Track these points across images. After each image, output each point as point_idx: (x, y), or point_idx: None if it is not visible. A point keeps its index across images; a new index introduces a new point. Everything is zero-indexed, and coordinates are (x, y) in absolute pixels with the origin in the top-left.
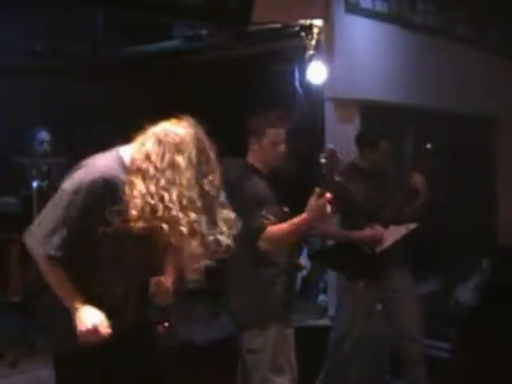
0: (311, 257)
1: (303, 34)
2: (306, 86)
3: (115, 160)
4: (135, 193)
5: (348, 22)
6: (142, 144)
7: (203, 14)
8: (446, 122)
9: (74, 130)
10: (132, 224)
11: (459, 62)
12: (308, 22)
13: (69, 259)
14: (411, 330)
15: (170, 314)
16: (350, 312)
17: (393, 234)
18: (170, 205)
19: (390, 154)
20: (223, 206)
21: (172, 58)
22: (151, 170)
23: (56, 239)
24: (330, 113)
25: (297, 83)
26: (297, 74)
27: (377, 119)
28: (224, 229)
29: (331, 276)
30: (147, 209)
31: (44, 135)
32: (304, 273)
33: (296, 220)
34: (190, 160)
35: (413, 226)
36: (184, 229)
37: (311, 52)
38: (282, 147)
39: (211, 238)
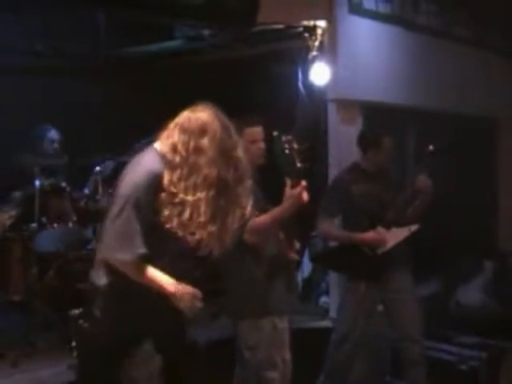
0: (313, 258)
1: (306, 34)
2: (309, 86)
3: (155, 155)
4: (164, 182)
5: (351, 23)
6: (169, 136)
7: (205, 14)
8: (447, 122)
9: (74, 130)
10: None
11: (461, 63)
12: (311, 23)
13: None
14: (412, 331)
15: None
16: (351, 313)
17: (395, 236)
18: (190, 190)
19: (392, 153)
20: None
21: (173, 59)
22: (177, 160)
23: (137, 240)
24: (332, 114)
25: (300, 84)
26: (300, 75)
27: (379, 120)
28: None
29: (333, 277)
30: (170, 196)
31: (54, 134)
32: (305, 273)
33: (275, 211)
34: (214, 138)
35: (415, 227)
36: (204, 208)
37: (314, 53)
38: (261, 144)
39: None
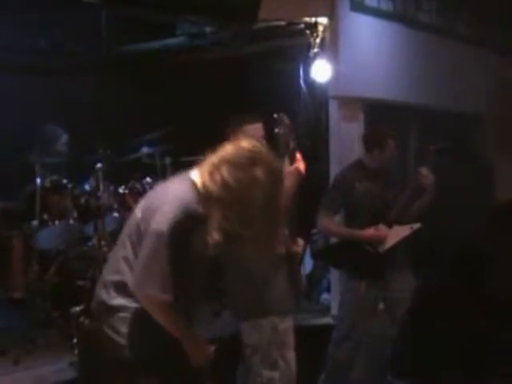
0: (314, 255)
1: (308, 31)
2: (311, 84)
3: (191, 189)
4: (214, 222)
5: (353, 20)
6: (214, 172)
7: (207, 12)
8: (448, 120)
9: (75, 128)
10: (213, 249)
11: (462, 61)
12: (313, 19)
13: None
14: None
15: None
16: (351, 311)
17: (396, 234)
18: (249, 224)
19: (395, 153)
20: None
21: (175, 56)
22: (230, 197)
23: (167, 282)
24: (334, 111)
25: (301, 81)
26: (301, 72)
27: (380, 118)
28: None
29: (334, 274)
30: (225, 234)
31: (66, 137)
32: (306, 270)
33: None
34: (266, 167)
35: (417, 226)
36: (264, 241)
37: (316, 50)
38: (261, 142)
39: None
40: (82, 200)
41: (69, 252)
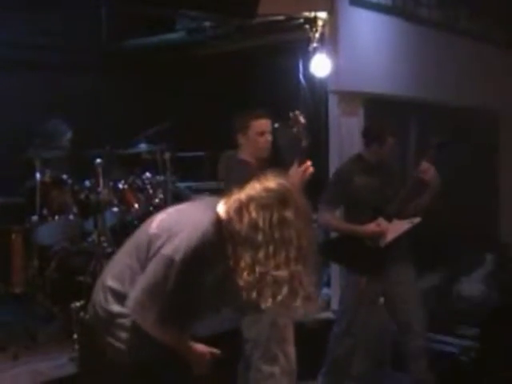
0: None
1: (307, 26)
2: (310, 78)
3: (214, 222)
4: (242, 264)
5: (352, 14)
6: (242, 212)
7: (206, 6)
8: (448, 115)
9: (75, 123)
10: (243, 293)
11: (462, 55)
12: (312, 14)
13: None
14: (413, 323)
15: None
16: (352, 305)
17: (396, 229)
18: (282, 266)
19: (395, 148)
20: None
21: (174, 51)
22: (260, 238)
23: (173, 306)
24: (333, 105)
25: (301, 76)
26: (301, 67)
27: (380, 112)
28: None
29: (334, 269)
30: (257, 277)
31: (71, 133)
32: None
33: None
34: (297, 206)
35: (417, 220)
36: (296, 286)
37: (315, 45)
38: (268, 137)
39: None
40: (82, 195)
41: (69, 247)
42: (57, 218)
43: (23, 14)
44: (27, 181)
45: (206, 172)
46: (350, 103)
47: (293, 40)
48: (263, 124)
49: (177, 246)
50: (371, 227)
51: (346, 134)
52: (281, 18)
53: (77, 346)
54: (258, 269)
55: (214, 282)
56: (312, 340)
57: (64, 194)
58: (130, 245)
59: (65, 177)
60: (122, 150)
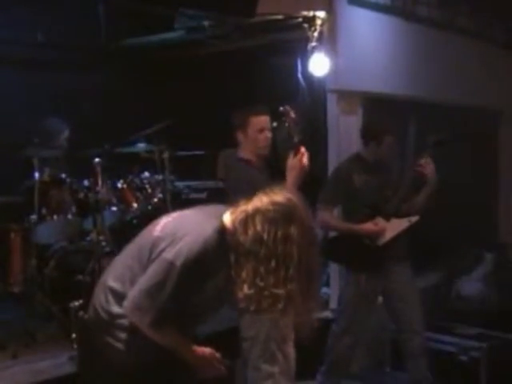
0: None
1: (306, 25)
2: (309, 77)
3: (218, 230)
4: (244, 275)
5: (351, 13)
6: (247, 223)
7: (205, 5)
8: (448, 114)
9: (73, 121)
10: (241, 304)
11: (462, 54)
12: (311, 13)
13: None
14: (412, 322)
15: None
16: (351, 305)
17: (395, 227)
18: (281, 282)
19: (394, 147)
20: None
21: (173, 50)
22: (263, 252)
23: (171, 311)
24: (332, 105)
25: (299, 75)
26: (299, 66)
27: (379, 111)
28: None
29: (333, 268)
30: (256, 290)
31: (67, 132)
32: None
33: (285, 187)
34: (302, 224)
35: (415, 218)
36: (291, 305)
37: (314, 44)
38: (268, 133)
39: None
40: (81, 194)
41: (68, 246)
42: (56, 217)
43: (22, 12)
44: (26, 180)
45: (205, 171)
46: (349, 102)
47: (291, 39)
48: (262, 121)
49: (179, 251)
50: (369, 226)
51: (345, 133)
52: (279, 17)
53: (76, 345)
54: (258, 282)
55: (213, 289)
56: (310, 339)
57: (63, 193)
58: (132, 246)
59: (64, 176)
60: (120, 148)
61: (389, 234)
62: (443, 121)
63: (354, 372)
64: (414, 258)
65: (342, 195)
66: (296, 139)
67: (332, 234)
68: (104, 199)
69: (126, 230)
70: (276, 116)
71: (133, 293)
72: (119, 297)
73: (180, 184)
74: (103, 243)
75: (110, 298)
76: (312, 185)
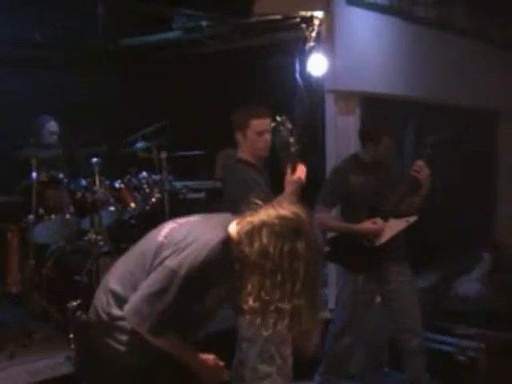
0: None
1: (304, 25)
2: (307, 78)
3: (223, 241)
4: (249, 288)
5: (349, 13)
6: (253, 236)
7: (202, 5)
8: (446, 114)
9: (71, 121)
10: (245, 315)
11: (460, 55)
12: (309, 13)
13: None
14: (410, 322)
15: None
16: (349, 305)
17: (393, 228)
18: (287, 297)
19: (392, 148)
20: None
21: (172, 50)
22: (268, 266)
23: (172, 318)
24: (330, 105)
25: (297, 75)
26: (297, 66)
27: (377, 111)
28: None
29: (331, 269)
30: (262, 304)
31: (53, 125)
32: None
33: (279, 198)
34: (309, 240)
35: (413, 219)
36: (295, 321)
37: (312, 44)
38: (267, 136)
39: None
40: (79, 194)
41: (65, 246)
42: (53, 217)
43: (21, 12)
44: (23, 180)
45: (203, 171)
46: (347, 102)
47: (289, 39)
48: (262, 123)
49: (183, 260)
50: (367, 224)
51: (343, 134)
52: (277, 17)
53: (73, 346)
54: (263, 296)
55: (215, 298)
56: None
57: (60, 193)
58: (136, 249)
59: (61, 176)
60: (119, 148)
61: (387, 235)
62: (441, 121)
63: (352, 372)
64: (412, 258)
65: (339, 196)
66: (293, 149)
67: (330, 234)
68: (102, 199)
69: (123, 230)
70: (274, 117)
71: (134, 298)
72: (120, 300)
73: (178, 184)
74: (101, 243)
75: (111, 300)
76: (310, 186)
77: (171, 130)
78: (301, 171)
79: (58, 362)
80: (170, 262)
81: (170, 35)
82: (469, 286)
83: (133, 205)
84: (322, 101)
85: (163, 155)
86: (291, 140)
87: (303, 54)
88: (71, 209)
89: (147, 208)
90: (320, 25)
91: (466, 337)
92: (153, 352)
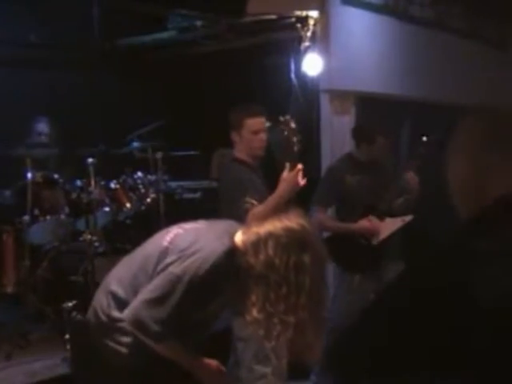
0: None
1: (299, 25)
2: (302, 77)
3: (228, 250)
4: (253, 299)
5: (344, 13)
6: (259, 245)
7: (196, 4)
8: (441, 114)
9: (66, 122)
10: (249, 325)
11: (455, 54)
12: (304, 13)
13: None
14: None
15: None
16: (345, 304)
17: (389, 227)
18: (291, 309)
19: (386, 148)
20: None
21: (166, 50)
22: (273, 277)
23: (172, 324)
24: (325, 104)
25: (292, 75)
26: (292, 66)
27: (372, 111)
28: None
29: (327, 268)
30: (266, 315)
31: (42, 126)
32: None
33: (271, 198)
34: (315, 253)
35: (408, 218)
36: (298, 334)
37: (307, 43)
38: (263, 135)
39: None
40: (74, 195)
41: (60, 247)
42: (48, 217)
43: (15, 12)
44: (18, 180)
45: (199, 171)
46: (342, 102)
47: (284, 39)
48: (257, 123)
49: (187, 267)
50: (363, 223)
51: (338, 133)
52: (272, 17)
53: (69, 346)
54: (267, 308)
55: (218, 306)
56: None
57: (55, 194)
58: (139, 252)
59: (56, 176)
60: (114, 148)
61: (383, 234)
62: (436, 120)
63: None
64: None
65: (335, 195)
66: (296, 148)
67: (326, 234)
68: (97, 200)
69: (119, 231)
70: (269, 116)
71: (135, 303)
72: (121, 302)
73: (173, 184)
74: (96, 244)
75: (112, 302)
76: (306, 185)
77: (166, 129)
78: (298, 172)
79: (54, 363)
80: (175, 269)
81: (165, 35)
82: None
83: (128, 205)
84: (317, 100)
85: (158, 155)
86: (294, 139)
87: (298, 54)
88: (66, 209)
89: (143, 208)
90: (315, 24)
91: None
92: (154, 353)
